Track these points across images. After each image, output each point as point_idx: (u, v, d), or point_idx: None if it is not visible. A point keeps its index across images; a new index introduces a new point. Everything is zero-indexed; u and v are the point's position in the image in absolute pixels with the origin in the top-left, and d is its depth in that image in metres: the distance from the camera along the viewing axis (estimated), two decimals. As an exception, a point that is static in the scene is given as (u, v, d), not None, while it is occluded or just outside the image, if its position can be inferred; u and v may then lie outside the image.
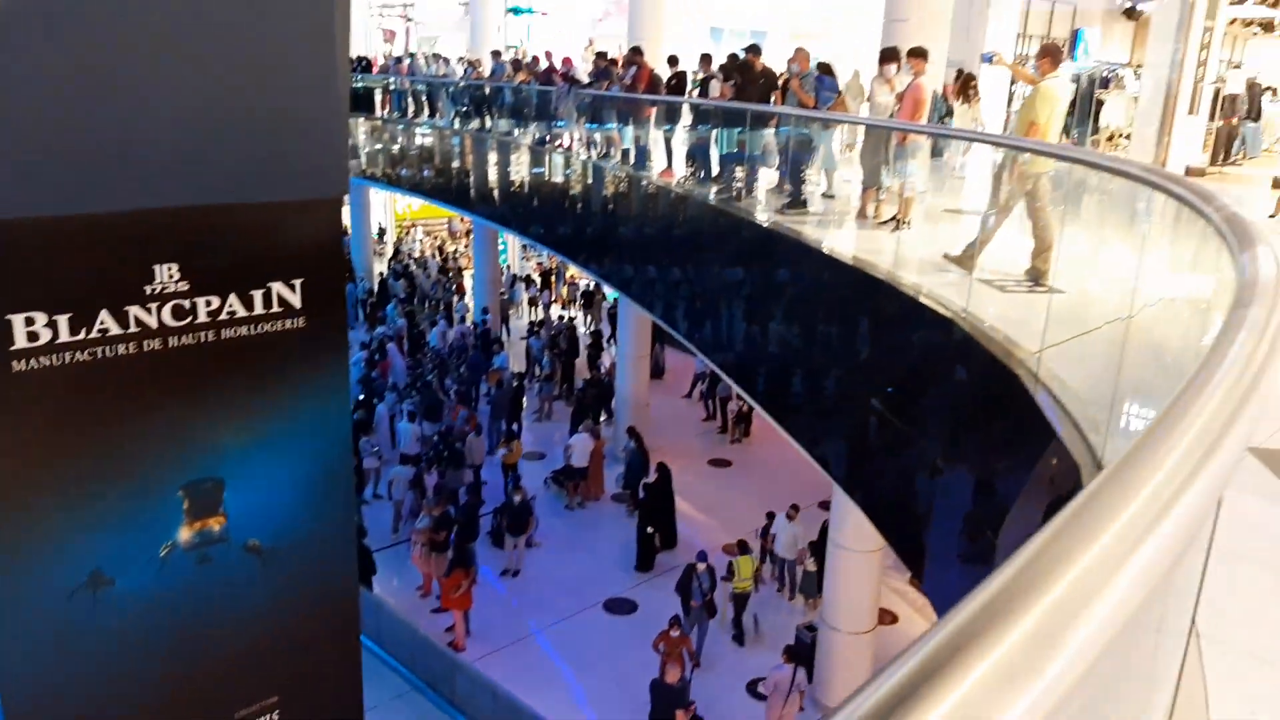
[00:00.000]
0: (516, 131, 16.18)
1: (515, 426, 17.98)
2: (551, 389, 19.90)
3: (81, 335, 4.60)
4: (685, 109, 10.74)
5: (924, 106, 8.62)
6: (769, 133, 9.00)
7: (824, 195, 8.85)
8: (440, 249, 34.63)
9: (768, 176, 9.66)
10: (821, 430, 7.18)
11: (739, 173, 9.24)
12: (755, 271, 8.63)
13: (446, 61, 20.98)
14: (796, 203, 8.59)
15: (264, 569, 5.65)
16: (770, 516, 13.39)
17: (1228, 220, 2.22)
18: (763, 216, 8.95)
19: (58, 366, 4.53)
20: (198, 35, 4.57)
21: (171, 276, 4.84)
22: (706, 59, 11.00)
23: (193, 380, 5.12)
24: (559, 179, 14.49)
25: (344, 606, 5.72)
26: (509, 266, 29.27)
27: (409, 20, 35.05)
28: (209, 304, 5.03)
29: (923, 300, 5.64)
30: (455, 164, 18.70)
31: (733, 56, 10.53)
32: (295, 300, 5.30)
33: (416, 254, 32.06)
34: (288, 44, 4.86)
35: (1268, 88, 20.67)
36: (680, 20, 24.17)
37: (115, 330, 4.79)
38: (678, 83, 11.27)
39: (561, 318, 24.52)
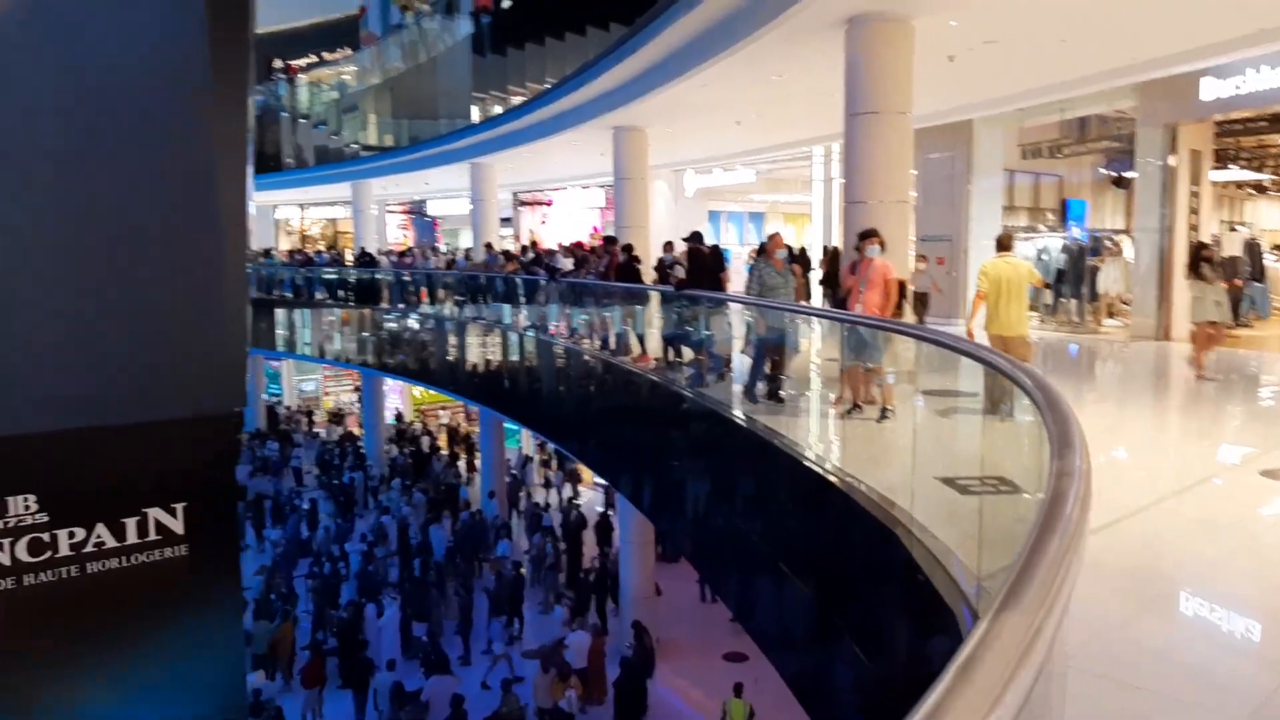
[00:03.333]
0: (510, 319, 16.25)
1: (516, 621, 17.16)
2: (555, 579, 19.00)
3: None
4: (654, 296, 10.63)
5: (893, 287, 8.28)
6: (727, 318, 8.74)
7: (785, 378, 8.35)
8: (455, 431, 34.46)
9: (742, 362, 9.27)
10: (796, 662, 6.43)
11: (706, 359, 8.91)
12: (726, 468, 8.10)
13: (453, 253, 21.54)
14: (770, 393, 8.11)
15: (136, 839, 4.94)
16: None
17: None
18: (737, 409, 8.46)
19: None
20: (57, 243, 4.35)
21: (28, 508, 4.45)
22: (669, 246, 10.99)
23: (51, 622, 4.63)
24: (543, 364, 14.37)
25: None
26: (521, 448, 28.94)
27: (425, 216, 36.51)
28: (72, 536, 4.61)
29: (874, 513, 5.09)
30: (451, 352, 18.79)
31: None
32: (177, 526, 4.87)
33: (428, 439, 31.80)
34: (166, 256, 4.63)
35: (1276, 246, 20.50)
36: (678, 204, 24.83)
37: (-41, 571, 4.38)
38: (629, 267, 11.22)
39: (571, 499, 23.85)
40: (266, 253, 31.03)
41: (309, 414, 35.07)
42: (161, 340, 4.66)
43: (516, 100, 19.29)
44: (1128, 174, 18.37)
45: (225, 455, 5.20)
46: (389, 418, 31.84)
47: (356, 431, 31.54)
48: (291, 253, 30.88)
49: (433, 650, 14.58)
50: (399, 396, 35.01)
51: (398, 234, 36.48)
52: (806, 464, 6.40)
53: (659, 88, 12.83)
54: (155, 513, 4.81)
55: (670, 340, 10.35)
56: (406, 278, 21.37)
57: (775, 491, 7.00)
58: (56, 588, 4.58)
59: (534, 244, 16.22)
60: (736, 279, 14.05)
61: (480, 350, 17.47)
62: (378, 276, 22.75)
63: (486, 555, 19.23)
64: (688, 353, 9.77)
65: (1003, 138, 16.97)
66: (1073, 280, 16.39)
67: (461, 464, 27.38)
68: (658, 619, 16.30)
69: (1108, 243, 16.92)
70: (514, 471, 25.43)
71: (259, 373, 32.14)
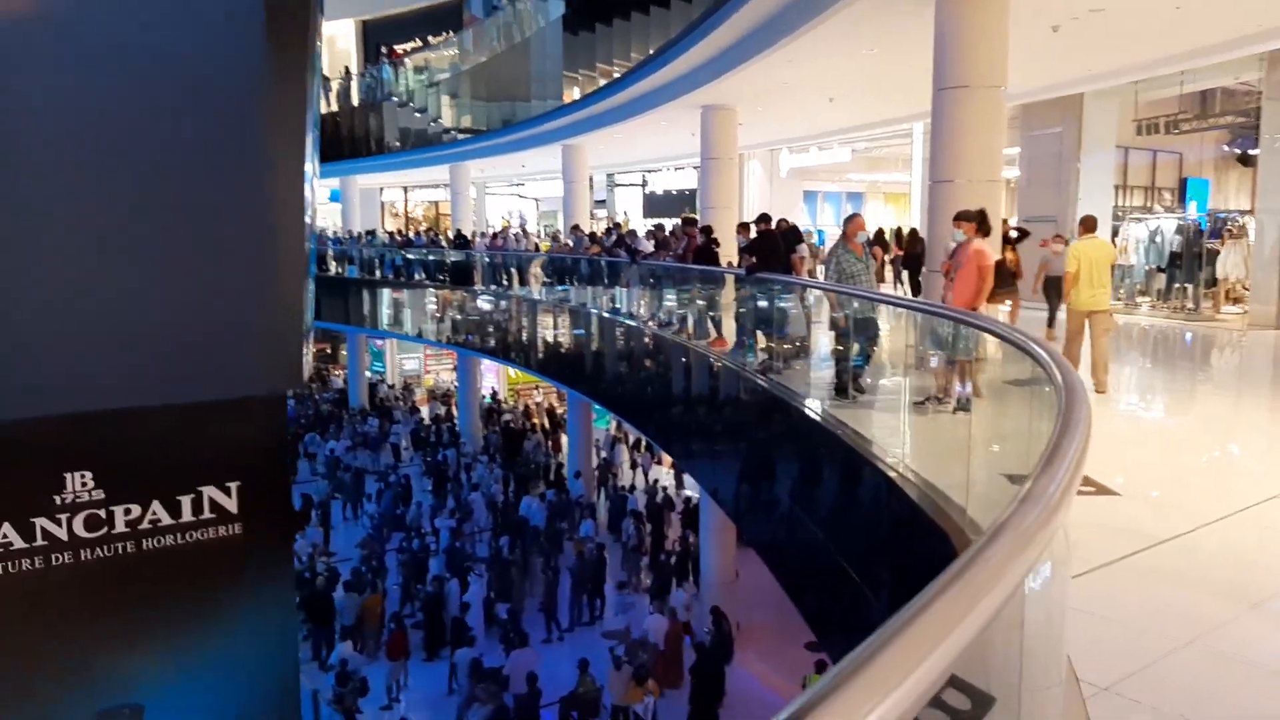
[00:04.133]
0: (594, 301, 16.23)
1: (598, 601, 17.23)
2: (637, 560, 18.99)
3: (-17, 550, 4.30)
4: (729, 279, 10.38)
5: (988, 275, 7.76)
6: (802, 303, 8.41)
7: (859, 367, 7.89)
8: (550, 410, 34.80)
9: (820, 350, 8.92)
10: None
11: (781, 346, 8.61)
12: (794, 458, 7.83)
13: (552, 236, 21.63)
14: (843, 390, 7.72)
15: (192, 805, 5.07)
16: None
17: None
18: (809, 399, 8.11)
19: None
20: (110, 226, 4.41)
21: (84, 484, 4.56)
22: (744, 227, 10.68)
23: (107, 596, 4.75)
24: (623, 346, 14.30)
25: None
26: (609, 429, 29.00)
27: (523, 198, 36.93)
28: (128, 512, 4.71)
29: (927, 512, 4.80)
30: (538, 333, 18.91)
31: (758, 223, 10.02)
32: (230, 505, 4.94)
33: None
34: (219, 240, 4.66)
35: None
36: (772, 185, 24.35)
37: (19, 544, 4.51)
38: (707, 249, 10.96)
39: (656, 481, 23.80)
40: (371, 233, 31.88)
41: (407, 388, 36.01)
42: (216, 322, 4.70)
43: (604, 80, 19.19)
44: (1253, 151, 17.10)
45: (277, 435, 5.24)
46: (485, 397, 32.39)
47: (454, 410, 32.20)
48: (391, 234, 31.70)
49: (512, 628, 14.72)
50: (495, 376, 35.56)
51: (497, 216, 36.98)
52: (872, 458, 6.12)
53: (745, 63, 12.50)
54: (210, 491, 4.89)
55: (743, 324, 10.09)
56: (498, 260, 21.60)
57: (840, 485, 6.73)
58: (113, 563, 4.70)
59: (617, 225, 16.13)
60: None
61: (566, 332, 17.53)
62: (471, 257, 23.06)
63: (571, 534, 19.36)
64: (762, 338, 9.50)
65: (1116, 112, 15.97)
66: (1187, 264, 15.36)
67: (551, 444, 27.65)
68: (737, 604, 16.10)
69: (1230, 225, 15.78)
70: (604, 454, 25.52)
71: (363, 350, 33.08)
